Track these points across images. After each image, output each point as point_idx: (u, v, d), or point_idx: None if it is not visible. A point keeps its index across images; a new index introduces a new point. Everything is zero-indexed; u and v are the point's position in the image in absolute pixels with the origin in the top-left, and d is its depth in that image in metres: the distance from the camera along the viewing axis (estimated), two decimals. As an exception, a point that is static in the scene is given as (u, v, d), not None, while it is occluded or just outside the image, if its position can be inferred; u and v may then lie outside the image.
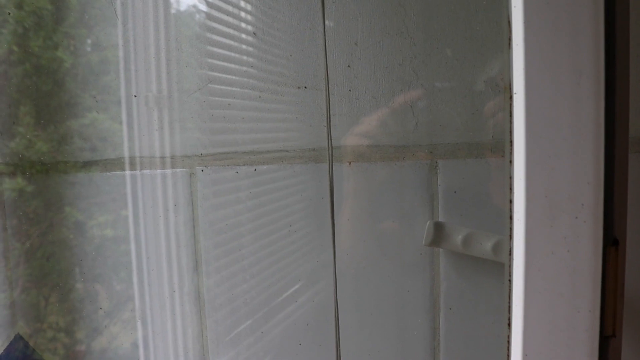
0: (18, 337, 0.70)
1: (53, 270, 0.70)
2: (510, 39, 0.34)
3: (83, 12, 0.68)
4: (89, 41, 0.68)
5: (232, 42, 0.64)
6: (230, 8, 0.63)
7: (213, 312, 0.67)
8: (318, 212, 0.63)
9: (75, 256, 0.69)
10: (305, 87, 0.61)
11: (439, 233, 0.59)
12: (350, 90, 0.61)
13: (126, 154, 0.67)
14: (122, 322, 0.69)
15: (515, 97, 0.33)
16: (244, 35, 0.63)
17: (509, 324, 0.34)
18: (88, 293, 0.70)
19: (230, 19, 0.64)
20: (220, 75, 0.64)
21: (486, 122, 0.59)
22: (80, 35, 0.68)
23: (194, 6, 0.65)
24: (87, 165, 0.68)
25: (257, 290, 0.65)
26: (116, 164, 0.67)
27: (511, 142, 0.33)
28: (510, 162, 0.34)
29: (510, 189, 0.34)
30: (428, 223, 0.59)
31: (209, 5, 0.64)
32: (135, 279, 0.68)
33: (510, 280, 0.34)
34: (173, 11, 0.65)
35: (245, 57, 0.63)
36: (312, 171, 0.63)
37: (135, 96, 0.65)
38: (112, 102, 0.67)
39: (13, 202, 0.70)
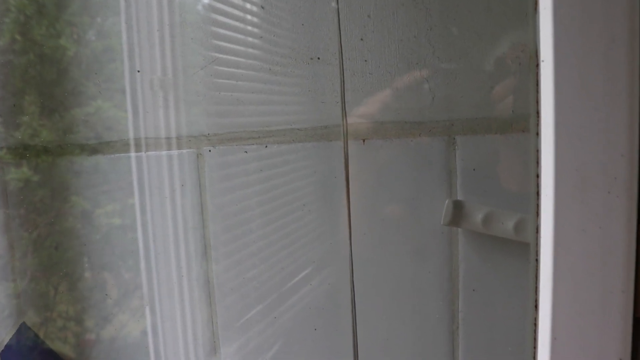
0: (24, 326, 0.70)
1: (61, 260, 0.70)
2: (536, 2, 0.33)
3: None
4: (92, 29, 0.67)
5: (238, 13, 0.62)
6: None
7: (223, 297, 0.66)
8: (331, 192, 0.62)
9: (82, 245, 0.69)
10: (318, 59, 0.59)
11: (458, 212, 0.57)
12: (365, 62, 0.59)
13: (131, 135, 0.66)
14: (130, 310, 0.69)
15: (542, 65, 0.31)
16: (250, 6, 0.62)
17: (536, 306, 0.33)
18: (96, 282, 0.70)
19: None
20: (226, 51, 0.63)
21: (498, 103, 0.57)
22: (83, 23, 0.67)
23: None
24: (92, 149, 0.67)
25: (268, 275, 0.65)
26: (121, 145, 0.66)
27: (538, 113, 0.32)
28: (537, 134, 0.32)
29: (537, 162, 0.33)
30: (447, 202, 0.58)
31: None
32: (142, 266, 0.67)
33: (537, 260, 0.33)
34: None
35: (252, 31, 0.62)
36: (324, 149, 0.61)
37: (138, 71, 0.64)
38: (117, 90, 0.66)
39: (19, 192, 0.70)
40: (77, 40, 0.67)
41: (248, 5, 0.61)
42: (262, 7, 0.61)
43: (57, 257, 0.70)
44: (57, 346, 0.71)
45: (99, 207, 0.69)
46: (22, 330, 0.70)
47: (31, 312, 0.71)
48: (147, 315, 0.68)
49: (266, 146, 0.63)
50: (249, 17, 0.62)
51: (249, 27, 0.62)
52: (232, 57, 0.62)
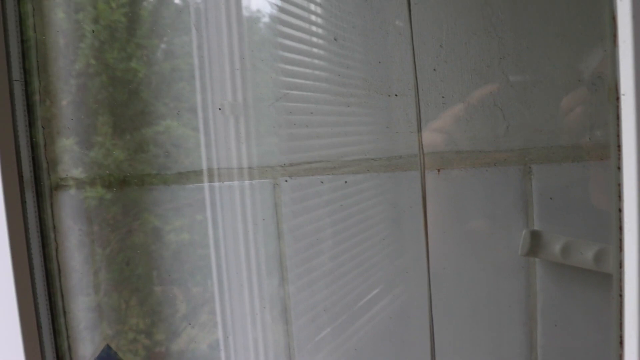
0: (107, 348, 0.72)
1: (132, 275, 0.73)
2: (615, 35, 0.32)
3: (154, 22, 0.69)
4: (160, 50, 0.69)
5: (311, 49, 0.63)
6: (307, 14, 0.63)
7: (295, 318, 0.67)
8: (406, 222, 0.62)
9: (153, 260, 0.71)
10: (396, 95, 0.59)
11: (535, 242, 0.56)
12: (438, 92, 0.59)
13: (204, 166, 0.67)
14: (199, 325, 0.71)
15: (623, 98, 0.31)
16: (322, 41, 0.63)
17: (621, 343, 0.32)
18: (166, 296, 0.71)
19: (307, 26, 0.63)
20: (300, 82, 0.64)
21: (565, 116, 0.56)
22: (152, 45, 0.69)
23: (269, 13, 0.65)
24: (165, 178, 0.69)
25: (339, 296, 0.65)
26: (195, 176, 0.68)
27: (619, 146, 0.31)
28: (619, 168, 0.32)
29: (620, 197, 0.32)
30: (524, 232, 0.57)
31: (285, 11, 0.64)
32: (215, 286, 0.69)
33: (621, 296, 0.32)
34: (246, 17, 0.66)
35: (325, 63, 0.63)
36: (399, 179, 0.61)
37: (219, 109, 0.66)
38: (185, 109, 0.68)
39: (94, 210, 0.72)
40: (147, 61, 0.69)
41: (321, 37, 0.62)
42: (335, 39, 0.61)
43: (129, 272, 0.73)
44: (128, 358, 0.73)
45: (168, 224, 0.71)
46: (106, 351, 0.72)
47: (104, 324, 0.73)
48: (220, 332, 0.69)
49: (341, 179, 0.63)
50: (323, 52, 0.63)
51: (324, 63, 0.63)
52: (307, 94, 0.64)
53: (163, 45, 0.69)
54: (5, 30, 0.65)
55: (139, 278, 0.72)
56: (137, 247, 0.71)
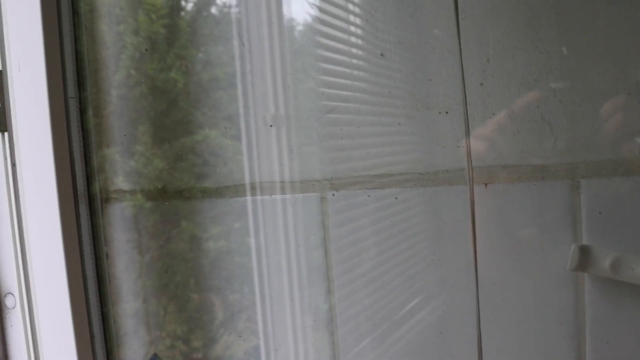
0: (154, 357, 0.74)
1: (171, 282, 0.74)
2: None
3: (193, 33, 0.70)
4: (199, 60, 0.70)
5: (358, 62, 0.63)
6: (353, 28, 0.63)
7: (337, 327, 0.67)
8: (453, 235, 0.61)
9: (191, 268, 0.72)
10: (447, 113, 0.59)
11: (585, 257, 0.55)
12: (484, 109, 0.59)
13: (247, 180, 0.68)
14: (236, 332, 0.71)
15: None
16: (369, 56, 0.63)
17: None
18: (204, 303, 0.72)
19: (354, 39, 0.64)
20: (346, 95, 0.64)
21: (604, 123, 0.55)
22: (190, 55, 0.70)
23: (314, 27, 0.65)
24: (206, 189, 0.70)
25: (387, 310, 0.65)
26: (237, 189, 0.69)
27: None
28: None
29: None
30: (573, 247, 0.56)
31: (330, 25, 0.64)
32: (257, 295, 0.69)
33: None
34: (288, 27, 0.66)
35: (372, 77, 0.63)
36: (446, 193, 0.61)
37: (271, 126, 0.66)
38: (222, 118, 0.69)
39: (134, 218, 0.73)
40: (185, 72, 0.70)
41: (368, 51, 0.63)
42: (382, 55, 0.61)
43: (167, 279, 0.74)
44: (167, 364, 0.74)
45: (206, 232, 0.71)
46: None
47: (143, 330, 0.74)
48: (261, 339, 0.70)
49: (391, 194, 0.63)
50: (368, 62, 0.63)
51: (371, 77, 0.63)
52: (352, 102, 0.64)
53: (201, 55, 0.70)
54: (62, 45, 0.66)
55: (178, 285, 0.73)
56: (176, 255, 0.72)
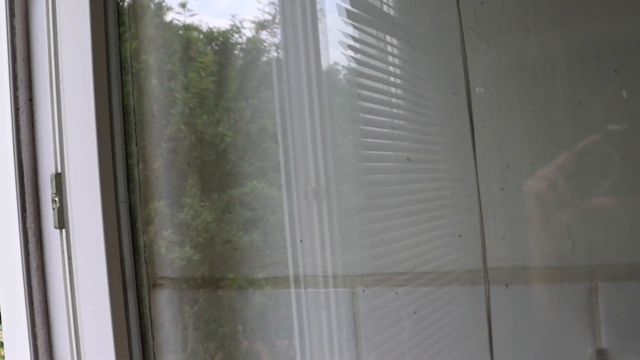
0: None
1: (217, 331, 0.74)
2: None
3: (241, 85, 0.71)
4: (247, 112, 0.71)
5: (388, 164, 0.66)
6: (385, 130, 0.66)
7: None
8: (476, 334, 0.61)
9: (238, 318, 0.72)
10: (473, 212, 0.61)
11: None
12: (503, 212, 0.59)
13: (291, 273, 0.69)
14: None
15: None
16: (398, 162, 0.66)
17: None
18: (250, 353, 0.72)
19: (385, 141, 0.67)
20: (381, 192, 0.66)
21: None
22: (239, 107, 0.71)
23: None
24: (254, 282, 0.71)
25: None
26: (283, 281, 0.70)
27: None
28: None
29: None
30: (589, 350, 0.55)
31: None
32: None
33: None
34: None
35: (400, 181, 0.65)
36: (469, 293, 0.61)
37: (301, 241, 0.68)
38: (270, 168, 0.69)
39: (182, 269, 0.74)
40: (233, 124, 0.71)
41: (396, 158, 0.66)
42: (408, 160, 0.64)
43: (214, 329, 0.74)
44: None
45: (253, 284, 0.72)
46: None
47: (190, 380, 0.74)
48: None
49: (417, 291, 0.64)
50: (398, 169, 0.66)
51: (400, 180, 0.65)
52: (384, 208, 0.66)
53: (250, 108, 0.71)
54: (110, 100, 0.68)
55: (225, 335, 0.73)
56: (223, 306, 0.73)
